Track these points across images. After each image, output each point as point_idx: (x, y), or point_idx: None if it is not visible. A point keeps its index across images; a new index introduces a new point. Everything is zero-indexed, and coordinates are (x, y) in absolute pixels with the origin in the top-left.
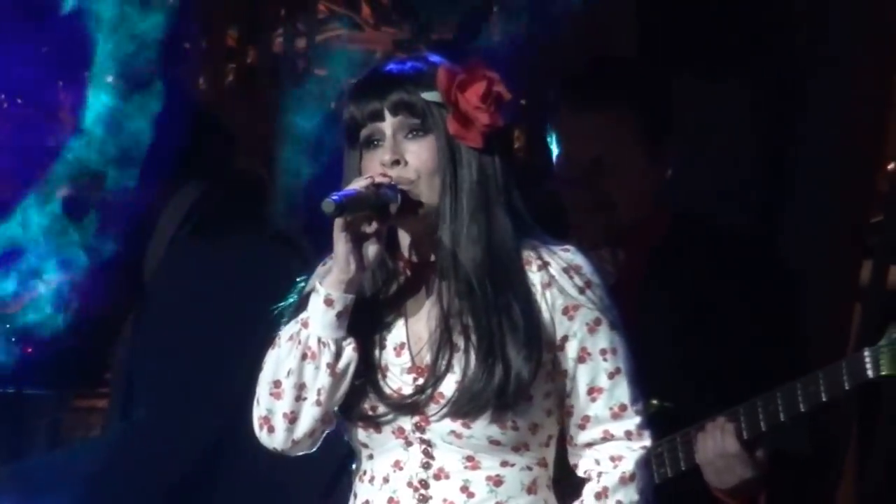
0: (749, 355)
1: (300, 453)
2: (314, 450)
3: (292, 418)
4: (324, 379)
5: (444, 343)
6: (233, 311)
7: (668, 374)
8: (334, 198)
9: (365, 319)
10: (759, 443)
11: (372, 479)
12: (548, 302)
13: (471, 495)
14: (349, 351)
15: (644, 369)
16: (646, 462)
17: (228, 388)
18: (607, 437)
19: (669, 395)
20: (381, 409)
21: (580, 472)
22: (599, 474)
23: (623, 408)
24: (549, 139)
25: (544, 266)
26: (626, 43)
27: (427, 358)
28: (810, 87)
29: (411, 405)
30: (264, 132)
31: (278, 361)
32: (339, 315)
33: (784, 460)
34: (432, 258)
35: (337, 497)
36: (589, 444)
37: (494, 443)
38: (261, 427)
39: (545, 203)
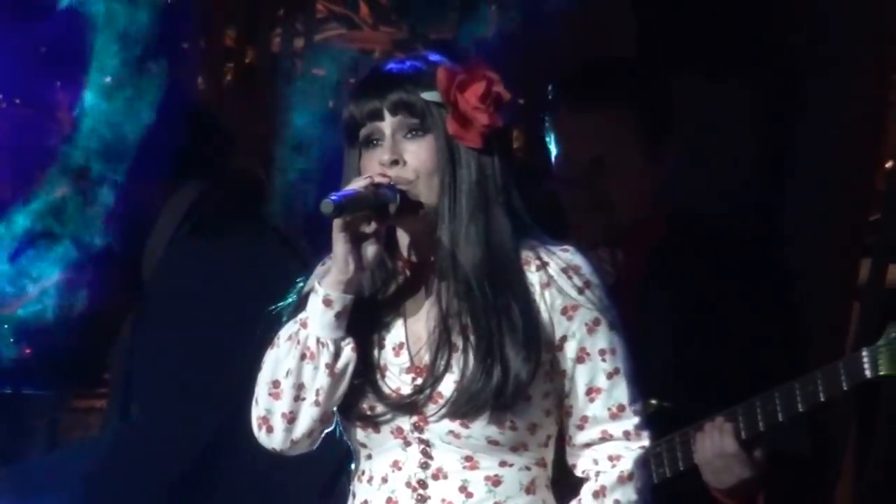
0: (748, 355)
1: (299, 453)
2: (313, 450)
3: (291, 418)
4: (322, 379)
5: (442, 343)
6: (231, 311)
7: (667, 373)
8: (333, 198)
9: (364, 319)
10: (757, 443)
11: (370, 479)
12: (546, 302)
13: (469, 495)
14: (348, 351)
15: (643, 369)
16: (644, 462)
17: (227, 388)
18: (606, 438)
19: (668, 394)
20: (380, 408)
21: (578, 472)
22: (598, 473)
23: (621, 408)
24: (547, 139)
25: (543, 266)
26: (625, 43)
27: (426, 358)
28: (809, 86)
29: (410, 405)
30: (263, 132)
31: (277, 361)
32: (337, 315)
33: (782, 460)
34: (431, 258)
35: (335, 497)
36: (587, 445)
37: (493, 443)
38: (259, 427)
39: (544, 203)
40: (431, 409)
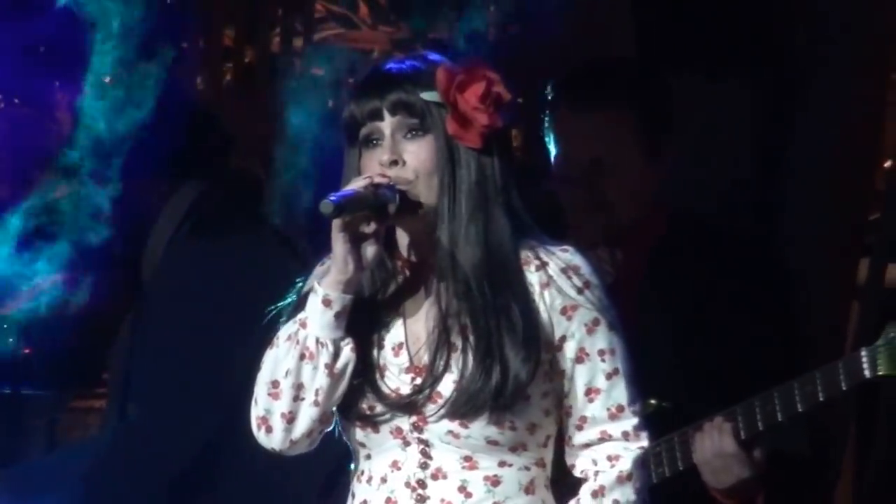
0: (747, 355)
1: (298, 453)
2: (312, 450)
3: (290, 418)
4: (322, 379)
5: (441, 343)
6: (231, 311)
7: (667, 373)
8: (332, 198)
9: (363, 319)
10: (756, 443)
11: (370, 479)
12: (546, 302)
13: (468, 495)
14: (347, 351)
15: (642, 369)
16: (643, 462)
17: (226, 389)
18: (604, 438)
19: (667, 394)
20: (379, 408)
21: (577, 473)
22: (596, 473)
23: (620, 409)
24: (547, 139)
25: (542, 266)
26: (624, 43)
27: (425, 358)
28: (808, 86)
29: (409, 405)
30: (262, 131)
31: (276, 361)
32: (337, 315)
33: (782, 460)
34: (431, 258)
35: (335, 497)
36: (586, 445)
37: (492, 443)
38: (258, 427)
39: (543, 203)
40: (430, 409)
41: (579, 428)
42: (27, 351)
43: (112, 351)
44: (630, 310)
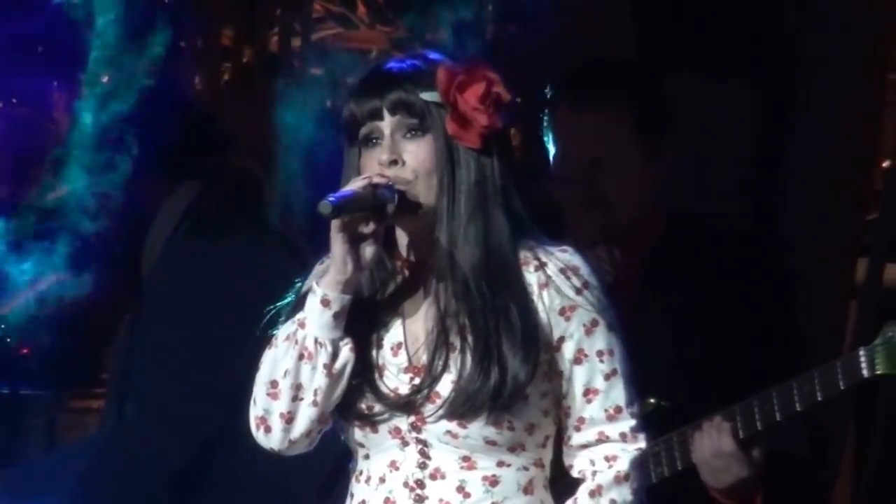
0: (745, 354)
1: (297, 453)
2: (310, 450)
3: (289, 418)
4: (320, 379)
5: (440, 343)
6: (229, 311)
7: (665, 372)
8: (331, 199)
9: (362, 319)
10: (755, 442)
11: (368, 479)
12: (545, 302)
13: (467, 495)
14: (346, 351)
15: (641, 368)
16: (640, 463)
17: (224, 388)
18: (602, 439)
19: (666, 393)
20: (378, 408)
21: (575, 473)
22: (594, 473)
23: (618, 410)
24: (546, 138)
25: (541, 266)
26: (623, 42)
27: (424, 358)
28: (807, 86)
29: (408, 405)
30: (260, 131)
31: (275, 361)
32: (335, 315)
33: (780, 460)
34: (430, 258)
35: (334, 497)
36: (584, 446)
37: (490, 443)
38: (257, 427)
39: (542, 202)
40: (429, 409)
41: (577, 429)
42: (25, 351)
43: (110, 350)
44: (629, 309)
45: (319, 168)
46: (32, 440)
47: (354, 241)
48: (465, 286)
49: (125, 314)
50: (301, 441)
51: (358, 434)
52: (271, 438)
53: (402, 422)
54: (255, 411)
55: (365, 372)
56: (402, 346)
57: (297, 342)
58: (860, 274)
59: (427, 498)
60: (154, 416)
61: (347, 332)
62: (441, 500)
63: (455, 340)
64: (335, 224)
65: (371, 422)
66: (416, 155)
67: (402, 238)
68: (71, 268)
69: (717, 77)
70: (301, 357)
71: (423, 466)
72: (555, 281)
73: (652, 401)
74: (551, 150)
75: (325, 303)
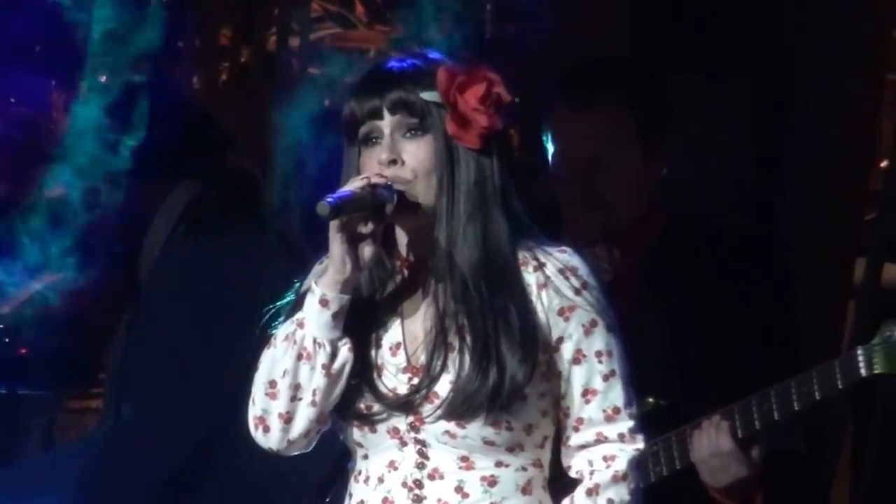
0: (744, 354)
1: (295, 453)
2: (309, 450)
3: (288, 418)
4: (319, 379)
5: (439, 343)
6: (227, 311)
7: (664, 372)
8: (329, 200)
9: (361, 318)
10: (754, 442)
11: (367, 479)
12: (543, 303)
13: (465, 496)
14: (345, 351)
15: (640, 367)
16: (638, 463)
17: (222, 388)
18: (600, 440)
19: (665, 393)
20: (377, 408)
21: (573, 473)
22: (592, 473)
23: (617, 410)
24: (545, 137)
25: (540, 267)
26: (621, 42)
27: (422, 358)
28: (804, 86)
29: (406, 405)
30: (258, 131)
31: (274, 361)
32: (334, 315)
33: (779, 459)
34: (429, 258)
35: (333, 497)
36: (582, 446)
37: (489, 443)
38: (256, 427)
39: (541, 201)
40: (427, 409)
41: (576, 429)
42: (23, 351)
43: (109, 350)
44: (627, 308)
45: (318, 167)
46: (31, 440)
47: (353, 241)
48: (464, 286)
49: (123, 314)
50: (300, 441)
51: (356, 434)
52: (270, 438)
53: (401, 422)
54: (253, 411)
55: (363, 372)
56: (400, 346)
57: (295, 342)
58: (858, 273)
59: (425, 498)
60: (153, 417)
61: (346, 331)
62: (439, 501)
63: (454, 340)
64: (334, 224)
65: (369, 422)
66: (416, 155)
67: (401, 238)
68: (69, 268)
69: (716, 77)
70: (300, 357)
71: (421, 466)
72: (553, 281)
73: (651, 400)
74: (550, 149)
75: (324, 303)
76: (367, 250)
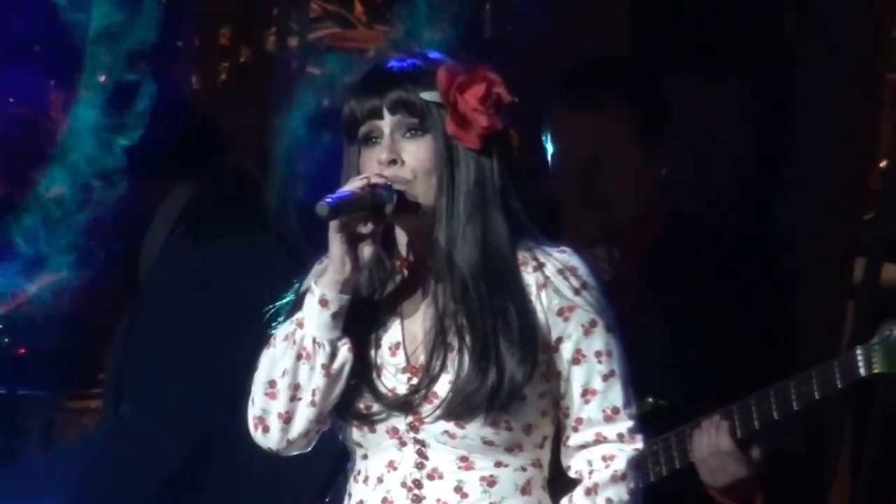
0: (743, 353)
1: (295, 453)
2: (309, 449)
3: (287, 418)
4: (318, 379)
5: (438, 344)
6: (227, 311)
7: (663, 372)
8: (328, 200)
9: (361, 318)
10: (753, 442)
11: (366, 479)
12: (543, 303)
13: (464, 496)
14: (344, 351)
15: (639, 367)
16: (637, 463)
17: (221, 388)
18: (599, 440)
19: (664, 393)
20: (376, 408)
21: (572, 474)
22: (591, 472)
23: (616, 411)
24: (545, 137)
25: (540, 267)
26: (620, 42)
27: (422, 358)
28: (803, 85)
29: (405, 405)
30: (258, 131)
31: (273, 361)
32: (334, 316)
33: (777, 459)
34: (429, 258)
35: (332, 497)
36: (582, 446)
37: (488, 443)
38: (255, 427)
39: (540, 201)
40: (426, 409)
41: (575, 429)
42: (22, 351)
43: (108, 351)
44: (627, 308)
45: (317, 167)
46: (30, 440)
47: (353, 242)
48: (464, 286)
49: (123, 314)
50: (299, 441)
51: (356, 434)
52: (269, 438)
53: (400, 422)
54: (253, 411)
55: (363, 372)
56: (400, 345)
57: (295, 342)
58: (857, 273)
59: (424, 498)
60: (152, 417)
61: (346, 331)
62: (438, 501)
63: (453, 341)
64: (333, 224)
65: (369, 421)
66: (416, 155)
67: (401, 238)
68: (68, 268)
69: (716, 77)
70: (299, 357)
71: (420, 466)
72: (553, 281)
73: (650, 400)
74: (550, 148)
75: (324, 303)
76: (366, 250)
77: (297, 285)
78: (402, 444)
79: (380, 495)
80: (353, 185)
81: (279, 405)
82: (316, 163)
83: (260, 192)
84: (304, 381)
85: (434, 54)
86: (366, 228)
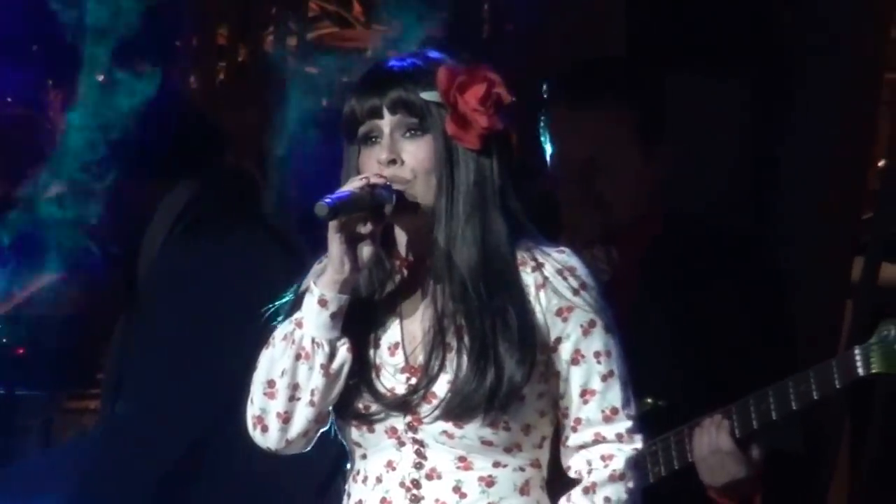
0: (742, 353)
1: (294, 453)
2: (308, 449)
3: (286, 418)
4: (317, 380)
5: (437, 344)
6: (226, 311)
7: (662, 372)
8: (327, 201)
9: (360, 318)
10: (754, 442)
11: (365, 479)
12: (541, 303)
13: (463, 496)
14: (343, 351)
15: (638, 368)
16: (636, 463)
17: (219, 388)
18: (598, 440)
19: (664, 393)
20: (375, 408)
21: (572, 474)
22: (590, 472)
23: (615, 411)
24: (543, 137)
25: (538, 267)
26: (617, 41)
27: (420, 358)
28: (802, 85)
29: (404, 405)
30: (256, 131)
31: (272, 361)
32: (333, 316)
33: (776, 459)
34: (428, 258)
35: (331, 497)
36: (581, 446)
37: (486, 443)
38: (254, 427)
39: (539, 202)
40: (425, 409)
41: (574, 429)
42: (21, 351)
43: (106, 351)
44: (626, 308)
45: (316, 167)
46: (29, 440)
47: (352, 242)
48: (463, 287)
49: (121, 314)
50: (298, 441)
51: (355, 434)
52: (268, 438)
53: (399, 422)
54: (252, 411)
55: (362, 371)
56: (399, 345)
57: (294, 342)
58: (856, 273)
59: (423, 498)
60: (151, 417)
61: (345, 331)
62: (437, 501)
63: (452, 341)
64: (332, 224)
65: (368, 421)
66: (415, 154)
67: (400, 237)
68: (66, 268)
69: (714, 77)
70: (298, 357)
71: (419, 466)
72: (552, 282)
73: (649, 401)
74: (549, 148)
75: (323, 303)
76: (365, 250)
77: (296, 285)
78: (401, 444)
79: (378, 495)
80: (352, 186)
81: (278, 405)
82: (314, 162)
83: (258, 191)
84: (302, 380)
85: (434, 54)
86: (365, 228)
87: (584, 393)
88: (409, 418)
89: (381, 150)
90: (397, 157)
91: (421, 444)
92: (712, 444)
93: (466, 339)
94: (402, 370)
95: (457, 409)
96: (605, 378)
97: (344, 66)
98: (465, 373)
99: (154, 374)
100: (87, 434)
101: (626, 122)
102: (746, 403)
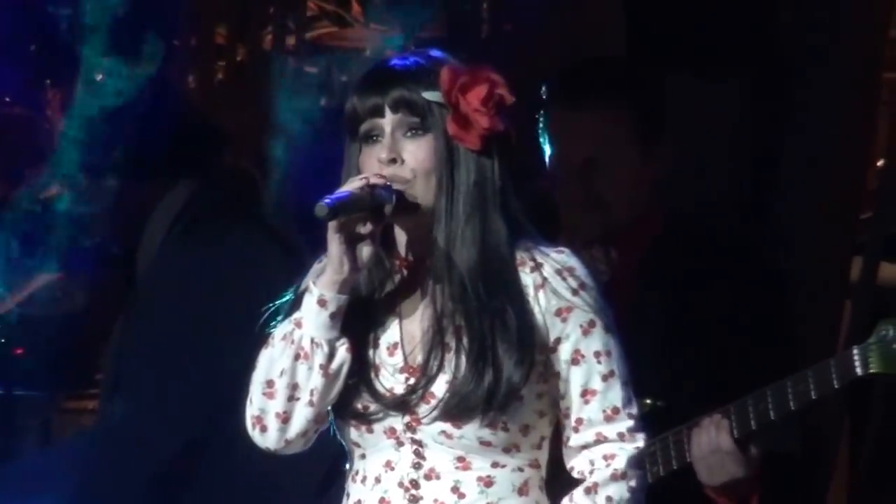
0: (741, 354)
1: (293, 453)
2: (307, 449)
3: (285, 418)
4: (317, 380)
5: (436, 344)
6: (225, 311)
7: (661, 372)
8: (326, 201)
9: (359, 318)
10: (751, 442)
11: (364, 479)
12: (540, 304)
13: (461, 496)
14: (342, 352)
15: (636, 368)
16: (638, 462)
17: (217, 388)
18: (600, 440)
19: (662, 393)
20: (373, 408)
21: (575, 474)
22: (592, 472)
23: (616, 410)
24: (542, 137)
25: (537, 268)
26: (616, 41)
27: (419, 358)
28: (801, 85)
29: (403, 405)
30: (255, 130)
31: (271, 361)
32: (332, 316)
33: (775, 459)
34: (428, 258)
35: (331, 497)
36: (583, 447)
37: (485, 444)
38: (253, 426)
39: (538, 202)
40: (424, 409)
41: (576, 430)
42: (19, 351)
43: (105, 351)
44: (625, 308)
45: (315, 166)
46: (28, 441)
47: (351, 242)
48: (462, 287)
49: (120, 314)
50: (297, 441)
51: (353, 434)
52: (267, 438)
53: (398, 422)
54: (251, 411)
55: (361, 371)
56: (398, 345)
57: (293, 342)
58: (855, 272)
59: (422, 498)
60: (150, 417)
61: (344, 331)
62: (436, 501)
63: (451, 341)
64: (332, 224)
65: (366, 421)
66: (416, 154)
67: (400, 237)
68: (65, 268)
69: (714, 77)
70: (297, 357)
71: (417, 467)
72: (551, 282)
73: (648, 401)
74: (547, 149)
75: (322, 303)
76: (365, 251)
77: (295, 285)
78: (400, 444)
79: (377, 495)
80: (352, 186)
81: (277, 405)
82: (313, 162)
83: (258, 191)
84: (302, 381)
85: (437, 53)
86: (365, 229)
87: (585, 393)
88: (407, 418)
89: (381, 149)
90: (398, 157)
91: (419, 444)
92: (711, 444)
93: (465, 340)
94: (401, 370)
95: (455, 410)
96: (605, 378)
97: (342, 66)
98: (463, 373)
99: (152, 374)
100: (85, 434)
101: (625, 122)
102: (745, 403)
